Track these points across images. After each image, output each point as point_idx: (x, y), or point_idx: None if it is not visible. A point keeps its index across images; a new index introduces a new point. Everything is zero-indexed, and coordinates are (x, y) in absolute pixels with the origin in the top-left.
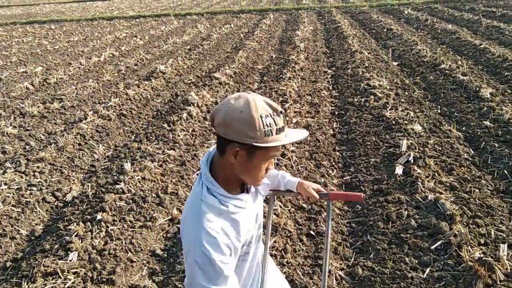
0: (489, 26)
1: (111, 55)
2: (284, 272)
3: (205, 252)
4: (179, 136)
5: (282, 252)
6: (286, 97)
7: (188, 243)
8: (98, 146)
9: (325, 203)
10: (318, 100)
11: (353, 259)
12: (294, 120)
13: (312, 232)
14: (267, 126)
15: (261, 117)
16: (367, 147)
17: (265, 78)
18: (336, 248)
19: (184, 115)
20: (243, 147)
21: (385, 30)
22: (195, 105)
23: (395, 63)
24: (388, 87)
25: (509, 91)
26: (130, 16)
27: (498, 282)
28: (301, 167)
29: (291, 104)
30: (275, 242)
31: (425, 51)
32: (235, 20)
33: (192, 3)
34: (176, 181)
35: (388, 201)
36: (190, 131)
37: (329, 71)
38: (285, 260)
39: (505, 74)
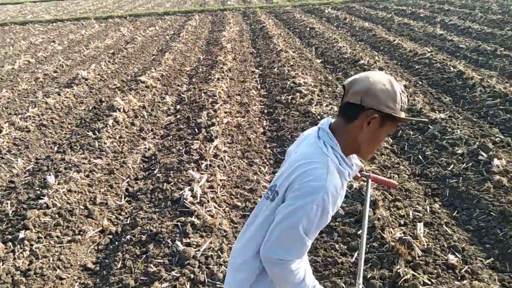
0: (400, 23)
1: (26, 62)
2: (221, 272)
3: (325, 203)
4: (105, 143)
5: (219, 252)
6: (216, 97)
7: (311, 186)
8: (17, 160)
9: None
10: (248, 100)
11: None
12: (225, 120)
13: None
14: (402, 103)
15: (400, 93)
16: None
17: (193, 80)
18: None
19: (110, 121)
20: (380, 115)
21: (308, 29)
22: (121, 110)
23: (318, 61)
24: (312, 84)
25: (420, 83)
26: (46, 20)
27: (417, 258)
28: (234, 166)
29: (221, 105)
30: (210, 243)
31: (345, 48)
32: (160, 22)
33: (114, 5)
34: (105, 190)
35: None
36: (117, 138)
37: (257, 70)
38: (222, 259)
39: (416, 67)
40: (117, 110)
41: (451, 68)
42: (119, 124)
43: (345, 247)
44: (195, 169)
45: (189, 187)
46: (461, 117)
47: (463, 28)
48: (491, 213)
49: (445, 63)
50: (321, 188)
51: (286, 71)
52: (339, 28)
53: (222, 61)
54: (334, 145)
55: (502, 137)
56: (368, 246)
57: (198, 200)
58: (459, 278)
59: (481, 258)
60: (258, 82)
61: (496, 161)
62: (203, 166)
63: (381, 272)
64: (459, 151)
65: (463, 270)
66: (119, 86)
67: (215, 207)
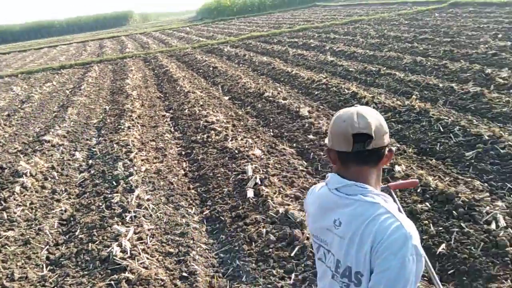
0: (295, 54)
1: None
2: None
3: (417, 249)
4: (15, 213)
5: None
6: (130, 146)
7: (395, 240)
8: None
9: None
10: (163, 144)
11: (228, 287)
12: (143, 168)
13: (184, 274)
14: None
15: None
16: (218, 179)
17: (103, 132)
18: (211, 281)
19: (17, 188)
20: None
21: (211, 68)
22: (28, 175)
23: (226, 98)
24: (225, 121)
25: (322, 107)
26: None
27: None
28: (160, 213)
29: (136, 153)
30: None
31: (249, 83)
32: (56, 77)
33: (1, 64)
34: (23, 263)
35: (247, 223)
36: (28, 204)
37: (167, 114)
38: None
39: (316, 93)
40: (24, 175)
41: (346, 90)
42: (28, 189)
43: (282, 271)
44: (120, 223)
45: (117, 243)
46: None
47: (350, 53)
48: None
49: (339, 86)
50: (405, 234)
51: (197, 111)
52: (240, 65)
53: (130, 108)
54: (370, 190)
55: (398, 145)
56: (302, 265)
57: (129, 254)
58: None
59: None
60: (171, 125)
61: (397, 167)
62: (127, 218)
63: None
64: None
65: None
66: (21, 150)
67: (147, 258)
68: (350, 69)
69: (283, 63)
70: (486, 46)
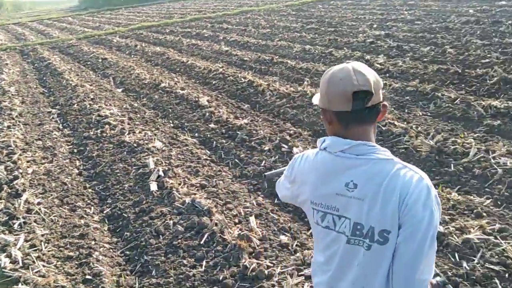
0: (189, 44)
1: None
2: None
3: (437, 199)
4: None
5: None
6: (12, 148)
7: (418, 193)
8: None
9: None
10: (51, 143)
11: (137, 284)
12: (30, 170)
13: (88, 277)
14: None
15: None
16: (118, 175)
17: None
18: (118, 280)
19: None
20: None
21: (100, 60)
22: None
23: (119, 90)
24: (120, 114)
25: (220, 96)
26: None
27: (257, 247)
28: (54, 216)
29: (20, 155)
30: None
31: (143, 74)
32: None
33: None
34: None
35: (153, 217)
36: None
37: (54, 110)
38: None
39: (213, 82)
40: None
41: (242, 79)
42: None
43: (193, 259)
44: (7, 231)
45: (5, 254)
46: (260, 119)
47: (243, 43)
48: None
49: (236, 75)
50: (426, 184)
51: (88, 106)
52: (132, 56)
53: (9, 106)
54: (378, 147)
55: (294, 129)
56: (213, 251)
57: (21, 264)
58: (293, 252)
59: (305, 231)
60: (59, 122)
61: (295, 149)
62: (16, 226)
63: (231, 271)
64: (266, 148)
65: (294, 245)
66: None
67: (44, 266)
68: (245, 59)
69: (178, 53)
70: (364, 35)
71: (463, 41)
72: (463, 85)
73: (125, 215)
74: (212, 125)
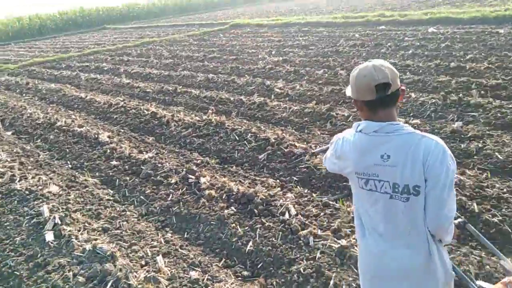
0: (88, 79)
1: None
2: None
3: (451, 153)
4: None
5: None
6: None
7: (438, 152)
8: None
9: None
10: None
11: None
12: None
13: None
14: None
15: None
16: (8, 229)
17: None
18: None
19: None
20: None
21: None
22: None
23: (9, 133)
24: (9, 160)
25: (122, 130)
26: None
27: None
28: None
29: None
30: None
31: (37, 113)
32: None
33: None
34: None
35: (49, 271)
36: None
37: None
38: None
39: (114, 117)
40: None
41: (145, 111)
42: None
43: None
44: None
45: None
46: (166, 151)
47: (145, 74)
48: (211, 222)
49: (138, 107)
50: (442, 147)
51: None
52: (24, 94)
53: None
54: (401, 124)
55: (202, 158)
56: None
57: None
58: (203, 287)
59: (216, 263)
60: None
61: (202, 179)
62: None
63: None
64: (173, 181)
65: (204, 280)
66: None
67: None
68: (148, 90)
69: (75, 88)
70: (264, 61)
71: (352, 62)
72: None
73: (16, 273)
74: (114, 162)
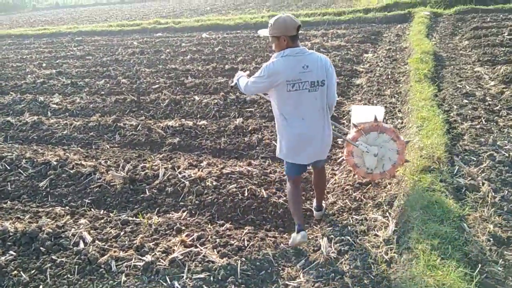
0: None
1: None
2: None
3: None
4: None
5: None
6: None
7: (327, 60)
8: None
9: None
10: None
11: None
12: None
13: None
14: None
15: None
16: None
17: None
18: None
19: None
20: None
21: None
22: None
23: None
24: None
25: None
26: None
27: None
28: None
29: None
30: None
31: None
32: None
33: None
34: None
35: None
36: None
37: None
38: None
39: None
40: None
41: None
42: None
43: None
44: None
45: None
46: None
47: None
48: None
49: None
50: (329, 59)
51: None
52: None
53: None
54: (306, 48)
55: None
56: None
57: None
58: None
59: None
60: None
61: None
62: None
63: None
64: None
65: None
66: None
67: None
68: None
69: None
70: (34, 75)
71: (134, 70)
72: (141, 111)
73: None
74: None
